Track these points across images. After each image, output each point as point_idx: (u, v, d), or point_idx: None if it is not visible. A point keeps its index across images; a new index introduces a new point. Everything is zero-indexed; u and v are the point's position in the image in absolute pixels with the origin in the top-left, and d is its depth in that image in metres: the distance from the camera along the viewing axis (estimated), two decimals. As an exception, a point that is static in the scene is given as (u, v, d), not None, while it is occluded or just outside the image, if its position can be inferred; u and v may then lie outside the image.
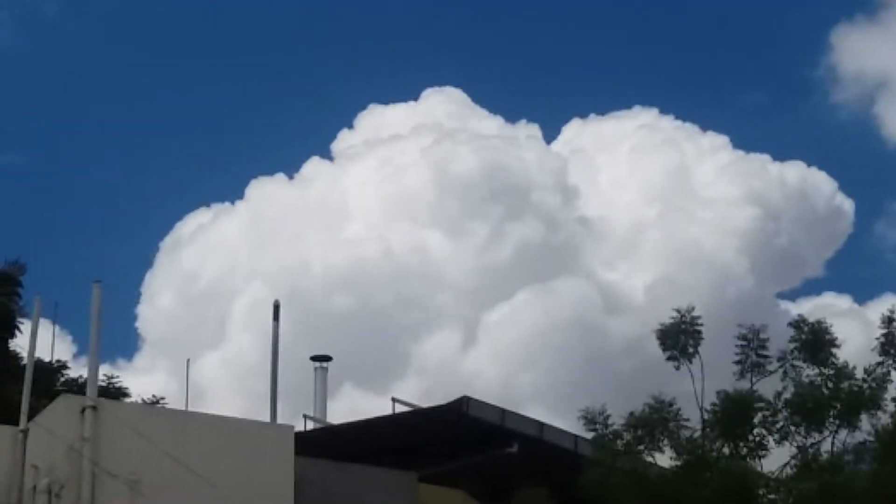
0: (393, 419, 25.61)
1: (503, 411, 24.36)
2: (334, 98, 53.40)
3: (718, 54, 52.12)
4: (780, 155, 50.12)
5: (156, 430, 21.11)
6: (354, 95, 54.80)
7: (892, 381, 19.43)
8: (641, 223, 46.76)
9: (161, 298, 47.12)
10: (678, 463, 19.40)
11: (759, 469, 19.33)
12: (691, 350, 19.95)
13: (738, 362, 19.82)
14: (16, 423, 21.59)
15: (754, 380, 19.73)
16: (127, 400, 29.57)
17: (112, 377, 31.19)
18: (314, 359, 28.70)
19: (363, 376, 44.53)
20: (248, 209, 47.67)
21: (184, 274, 46.85)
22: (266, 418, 23.29)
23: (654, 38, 52.41)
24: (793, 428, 19.45)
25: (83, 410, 20.85)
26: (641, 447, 19.60)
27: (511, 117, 51.34)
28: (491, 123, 47.29)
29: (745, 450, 19.32)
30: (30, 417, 21.55)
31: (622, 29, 51.92)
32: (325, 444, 23.91)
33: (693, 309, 20.16)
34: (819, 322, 20.02)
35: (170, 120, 51.29)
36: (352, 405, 37.88)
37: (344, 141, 48.61)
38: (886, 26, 52.45)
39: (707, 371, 19.84)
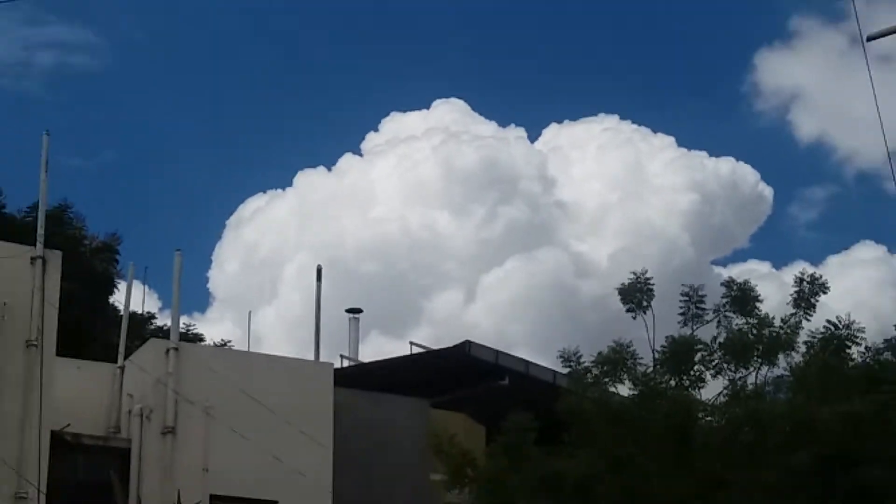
0: (410, 358, 25.64)
1: (497, 352, 24.39)
2: (363, 107, 53.41)
3: (667, 72, 52.23)
4: (715, 152, 50.00)
5: (224, 366, 21.19)
6: (379, 105, 54.81)
7: (802, 328, 19.35)
8: (605, 206, 46.71)
9: (227, 264, 47.13)
10: (635, 392, 19.35)
11: (698, 397, 19.30)
12: (645, 304, 19.87)
13: (681, 314, 19.72)
14: (115, 361, 21.68)
15: (694, 328, 19.63)
16: (202, 343, 29.62)
17: (190, 325, 31.32)
18: (348, 311, 28.74)
19: (386, 325, 44.58)
20: (296, 194, 47.62)
21: (245, 245, 46.84)
22: (311, 358, 23.36)
23: (616, 59, 52.46)
24: (725, 365, 19.35)
25: (167, 351, 20.91)
26: (606, 380, 19.53)
27: (503, 122, 51.37)
28: (487, 127, 47.15)
29: (687, 382, 19.25)
30: (125, 357, 21.62)
31: (591, 53, 51.97)
32: (357, 378, 23.95)
33: (646, 272, 20.09)
34: (745, 282, 19.94)
35: (235, 123, 51.39)
36: (378, 348, 37.91)
37: (371, 141, 48.46)
38: (798, 51, 52.50)
39: (657, 321, 19.79)
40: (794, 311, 19.49)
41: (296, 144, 53.56)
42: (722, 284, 20.20)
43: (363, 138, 51.52)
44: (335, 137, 56.45)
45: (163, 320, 30.02)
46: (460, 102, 47.47)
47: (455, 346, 24.28)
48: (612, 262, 41.32)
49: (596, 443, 18.77)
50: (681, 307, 19.79)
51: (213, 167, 50.65)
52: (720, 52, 51.96)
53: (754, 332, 19.35)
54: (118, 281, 29.36)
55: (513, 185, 44.48)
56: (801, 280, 19.64)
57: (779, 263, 60.98)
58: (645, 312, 19.86)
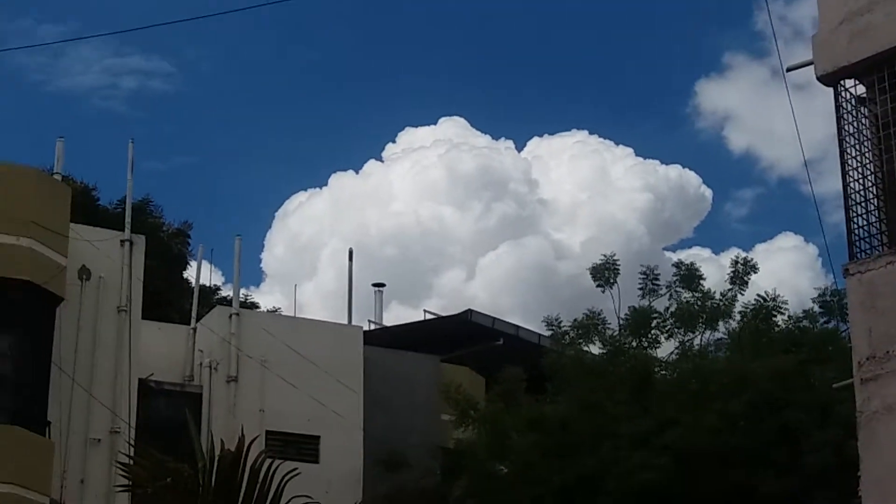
0: (424, 323, 25.54)
1: (493, 318, 24.27)
2: (384, 122, 53.01)
3: (627, 96, 51.89)
4: (666, 160, 49.62)
5: (276, 328, 21.10)
6: (396, 121, 54.49)
7: (737, 301, 19.28)
8: (577, 203, 46.24)
9: (276, 248, 46.66)
10: (604, 351, 19.30)
11: (655, 355, 19.23)
12: (611, 281, 19.81)
13: (640, 289, 19.67)
14: (188, 324, 21.60)
15: (651, 300, 19.59)
16: (257, 310, 29.48)
17: (247, 296, 31.07)
18: (374, 285, 28.52)
19: (404, 297, 44.48)
20: (331, 193, 47.11)
21: (290, 233, 46.38)
22: (344, 322, 23.30)
23: (586, 86, 52.14)
24: (676, 330, 19.32)
25: (230, 316, 20.89)
26: (581, 341, 19.49)
27: (495, 135, 50.76)
28: (483, 139, 46.63)
29: (646, 343, 19.21)
30: (197, 320, 21.54)
31: (566, 81, 51.65)
32: (381, 338, 23.85)
33: (613, 255, 20.04)
34: (691, 264, 19.89)
35: (282, 133, 50.99)
36: (398, 314, 37.72)
37: (390, 150, 47.91)
38: (730, 80, 52.10)
39: (622, 295, 19.74)
40: (730, 287, 19.45)
41: (331, 152, 53.19)
42: (672, 265, 20.15)
43: (384, 148, 51.38)
44: (362, 147, 56.24)
45: (226, 292, 29.78)
46: (461, 119, 47.07)
47: (459, 314, 24.21)
48: (584, 248, 41.01)
49: (573, 391, 18.74)
50: (640, 284, 19.74)
51: (265, 169, 50.25)
52: (669, 81, 51.77)
53: (699, 303, 19.31)
54: (190, 260, 29.17)
55: (504, 186, 44.17)
56: (736, 262, 19.60)
57: (717, 249, 60.93)
58: (612, 287, 19.81)
